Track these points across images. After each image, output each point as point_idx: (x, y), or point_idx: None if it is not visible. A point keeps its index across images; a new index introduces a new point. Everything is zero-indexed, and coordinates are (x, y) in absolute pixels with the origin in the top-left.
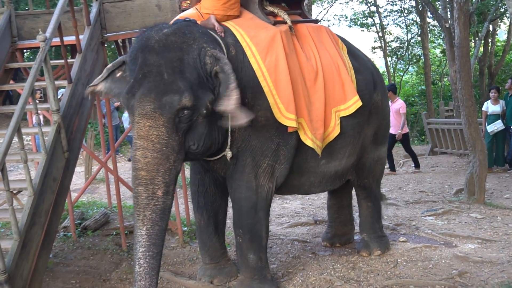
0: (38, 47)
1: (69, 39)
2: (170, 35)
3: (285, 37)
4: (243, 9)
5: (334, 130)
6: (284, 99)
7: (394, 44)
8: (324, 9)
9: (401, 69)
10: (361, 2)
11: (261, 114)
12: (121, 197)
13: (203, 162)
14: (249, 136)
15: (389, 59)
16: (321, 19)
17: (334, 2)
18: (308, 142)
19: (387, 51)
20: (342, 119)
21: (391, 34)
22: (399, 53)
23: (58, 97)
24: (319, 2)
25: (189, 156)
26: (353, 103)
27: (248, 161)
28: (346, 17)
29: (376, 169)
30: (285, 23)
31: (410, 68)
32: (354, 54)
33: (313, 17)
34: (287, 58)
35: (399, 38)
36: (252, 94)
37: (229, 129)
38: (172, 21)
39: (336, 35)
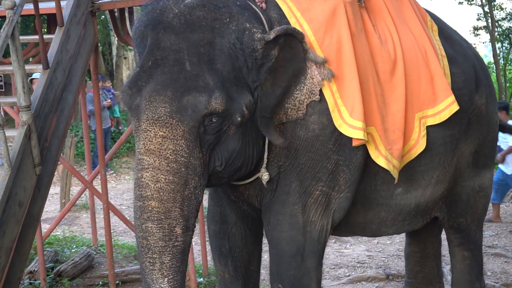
0: (2, 17)
1: (46, 6)
2: (195, 8)
3: (350, 11)
4: None
5: (418, 144)
6: (348, 99)
7: (506, 24)
8: None
9: None
10: None
11: (314, 120)
12: (112, 231)
13: (229, 188)
14: (296, 151)
15: (498, 45)
16: None
17: None
18: (381, 161)
19: (496, 33)
20: (430, 129)
21: (502, 9)
22: None
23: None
24: None
25: (212, 180)
26: (446, 107)
27: (294, 187)
28: None
29: (477, 204)
30: None
31: None
32: (448, 37)
33: None
34: (353, 40)
35: None
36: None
37: (266, 141)
38: None
39: (423, 9)
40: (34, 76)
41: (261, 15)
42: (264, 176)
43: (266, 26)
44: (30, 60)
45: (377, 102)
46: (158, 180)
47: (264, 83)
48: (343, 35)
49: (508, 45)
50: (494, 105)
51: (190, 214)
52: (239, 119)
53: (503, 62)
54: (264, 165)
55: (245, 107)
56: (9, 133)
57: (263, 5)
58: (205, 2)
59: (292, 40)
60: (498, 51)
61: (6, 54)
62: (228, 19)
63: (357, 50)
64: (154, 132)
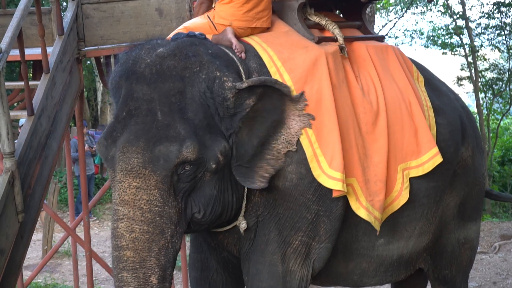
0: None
1: (32, 52)
2: (166, 58)
3: (332, 62)
4: (276, 19)
5: (400, 196)
6: (328, 149)
7: (489, 74)
8: (390, 21)
9: (499, 110)
10: (443, 13)
11: (292, 170)
12: (94, 279)
13: (208, 236)
14: (274, 201)
15: (481, 95)
16: (386, 34)
17: (405, 11)
18: (362, 213)
19: (479, 83)
20: (413, 180)
21: (485, 59)
22: (497, 87)
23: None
24: (383, 10)
25: (193, 227)
26: (430, 158)
27: (273, 236)
28: (422, 34)
29: (462, 256)
30: (335, 40)
31: None
32: (435, 87)
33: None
34: (334, 91)
35: (496, 65)
36: None
37: (245, 189)
38: (170, 36)
39: (409, 59)
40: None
41: (239, 65)
42: (242, 224)
43: (244, 76)
44: (15, 105)
45: (358, 153)
46: (133, 230)
47: (239, 132)
48: (323, 86)
49: (491, 95)
50: (481, 157)
51: (167, 264)
52: (213, 166)
53: (486, 112)
54: (242, 213)
55: (219, 154)
56: None
57: (242, 55)
58: (176, 51)
59: (273, 91)
60: (481, 101)
61: None
62: (198, 68)
63: (338, 101)
64: (128, 182)
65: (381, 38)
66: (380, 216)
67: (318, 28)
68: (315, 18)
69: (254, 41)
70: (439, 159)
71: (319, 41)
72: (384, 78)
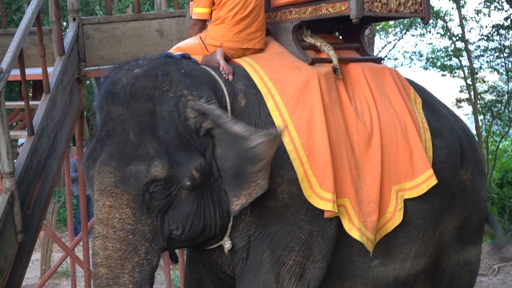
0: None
1: (32, 72)
2: (139, 78)
3: (325, 83)
4: (271, 40)
5: (394, 217)
6: (319, 170)
7: (488, 97)
8: (389, 42)
9: (498, 132)
10: (442, 36)
11: (284, 190)
12: None
13: (203, 255)
14: (266, 221)
15: (480, 117)
16: (385, 56)
17: (405, 33)
18: (354, 234)
19: (478, 106)
20: (408, 202)
21: (484, 81)
22: (496, 109)
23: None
24: (383, 32)
25: (174, 243)
26: (425, 180)
27: (266, 256)
28: (421, 55)
29: (462, 279)
30: (330, 61)
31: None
32: (433, 109)
33: (374, 53)
34: (327, 112)
35: (495, 87)
36: (272, 160)
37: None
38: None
39: (407, 80)
40: None
41: (223, 86)
42: (226, 244)
43: (227, 98)
44: (15, 125)
45: (351, 174)
46: (106, 248)
47: (213, 147)
48: (315, 107)
49: (490, 118)
50: (482, 181)
51: (142, 281)
52: (188, 183)
53: (485, 134)
54: (228, 233)
55: (194, 171)
56: None
57: (230, 77)
58: (148, 71)
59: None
60: (480, 123)
61: None
62: (167, 87)
63: (330, 122)
64: (102, 202)
65: (378, 60)
66: (373, 237)
67: (314, 49)
68: (310, 40)
69: (245, 62)
70: (433, 181)
71: (313, 62)
72: (379, 100)
